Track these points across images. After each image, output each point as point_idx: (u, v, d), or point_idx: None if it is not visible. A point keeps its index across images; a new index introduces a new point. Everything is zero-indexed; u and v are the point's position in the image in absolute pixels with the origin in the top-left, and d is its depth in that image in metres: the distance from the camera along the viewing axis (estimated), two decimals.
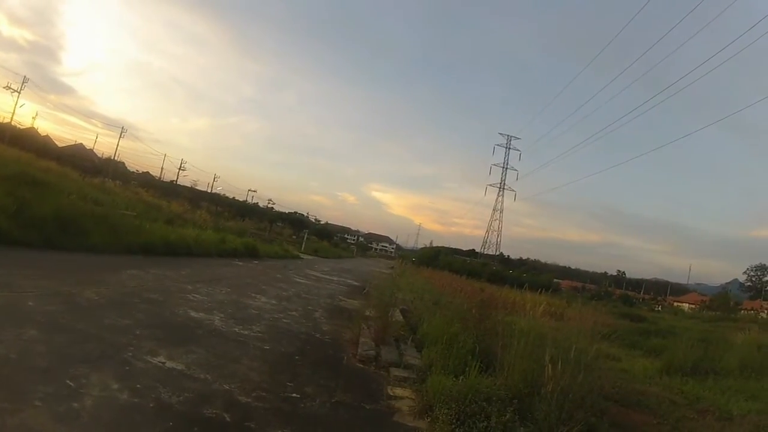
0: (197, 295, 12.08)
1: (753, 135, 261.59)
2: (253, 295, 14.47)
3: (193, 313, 9.91)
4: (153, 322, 8.33)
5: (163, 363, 6.31)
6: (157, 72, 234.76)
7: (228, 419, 5.03)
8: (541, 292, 23.30)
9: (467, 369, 7.78)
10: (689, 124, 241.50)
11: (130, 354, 6.29)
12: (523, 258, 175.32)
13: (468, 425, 5.96)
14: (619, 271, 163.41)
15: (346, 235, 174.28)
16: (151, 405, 4.86)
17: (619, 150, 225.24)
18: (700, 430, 9.66)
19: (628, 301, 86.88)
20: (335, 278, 30.01)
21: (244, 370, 6.95)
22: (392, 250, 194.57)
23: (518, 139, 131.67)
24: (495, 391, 6.97)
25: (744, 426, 10.05)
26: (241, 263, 24.97)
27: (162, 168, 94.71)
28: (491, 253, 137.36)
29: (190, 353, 7.07)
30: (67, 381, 4.91)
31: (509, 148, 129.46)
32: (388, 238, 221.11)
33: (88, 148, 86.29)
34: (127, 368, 5.73)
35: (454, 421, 6.05)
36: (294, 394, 6.45)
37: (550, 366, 6.94)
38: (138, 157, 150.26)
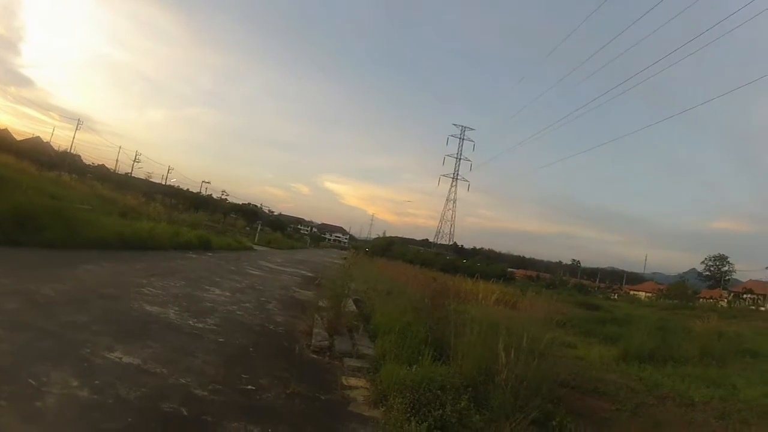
0: (152, 289, 11.98)
1: (711, 129, 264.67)
2: (207, 287, 14.39)
3: (148, 307, 9.85)
4: (109, 318, 8.28)
5: (120, 358, 6.32)
6: (116, 63, 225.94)
7: (185, 413, 5.10)
8: (494, 281, 23.64)
9: (420, 358, 7.77)
10: (647, 116, 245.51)
11: (88, 350, 6.28)
12: (477, 247, 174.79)
13: (423, 414, 5.93)
14: (573, 260, 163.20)
15: (299, 226, 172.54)
16: (110, 401, 4.91)
17: (575, 141, 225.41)
18: (661, 416, 9.69)
19: (583, 289, 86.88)
20: (288, 269, 29.88)
21: (199, 364, 6.98)
22: (345, 241, 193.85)
23: (472, 130, 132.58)
24: (449, 379, 6.97)
25: (707, 412, 10.24)
26: (194, 256, 24.67)
27: (117, 160, 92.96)
28: (445, 243, 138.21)
29: (146, 348, 7.08)
30: (30, 380, 4.91)
31: (463, 139, 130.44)
32: (342, 228, 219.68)
33: (45, 141, 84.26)
34: (86, 365, 5.74)
35: (409, 409, 6.02)
36: (249, 387, 6.54)
37: (503, 354, 6.94)
38: (94, 149, 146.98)
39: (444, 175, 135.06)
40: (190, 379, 6.20)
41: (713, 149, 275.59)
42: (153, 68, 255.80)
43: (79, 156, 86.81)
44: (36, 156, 54.21)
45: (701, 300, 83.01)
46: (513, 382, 6.59)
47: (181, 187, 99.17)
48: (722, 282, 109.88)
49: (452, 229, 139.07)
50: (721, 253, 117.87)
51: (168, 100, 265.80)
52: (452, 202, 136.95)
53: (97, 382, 5.28)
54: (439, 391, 6.47)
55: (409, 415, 5.90)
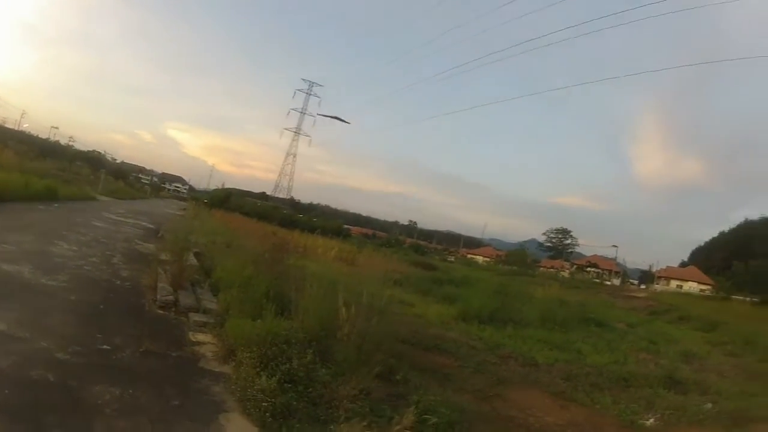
0: (6, 246, 11.18)
1: (564, 109, 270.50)
2: (56, 242, 13.50)
3: (4, 266, 9.24)
4: None
5: None
6: None
7: (52, 379, 5.00)
8: (332, 237, 23.71)
9: (264, 312, 7.32)
10: (507, 90, 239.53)
11: None
12: (314, 203, 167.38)
13: (272, 368, 5.68)
14: (410, 220, 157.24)
15: (140, 175, 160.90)
16: None
17: (427, 106, 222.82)
18: (504, 373, 9.43)
19: (420, 249, 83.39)
20: (131, 221, 28.06)
21: (57, 324, 6.76)
22: (185, 191, 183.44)
23: (320, 86, 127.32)
24: (293, 334, 6.70)
25: (553, 374, 10.11)
26: (42, 207, 22.59)
27: None
28: (282, 197, 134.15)
29: (9, 311, 6.75)
30: None
31: (310, 95, 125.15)
32: (181, 178, 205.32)
33: None
34: None
35: (258, 364, 5.78)
36: (105, 346, 6.39)
37: (344, 309, 6.84)
38: None
39: (287, 129, 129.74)
40: (51, 342, 6.00)
41: (568, 129, 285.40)
42: (30, 11, 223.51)
43: None
44: None
45: (542, 268, 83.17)
46: (355, 338, 6.53)
47: (32, 133, 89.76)
48: (564, 253, 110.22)
49: (291, 184, 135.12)
50: (564, 227, 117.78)
51: (34, 41, 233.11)
52: (292, 156, 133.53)
53: None
54: (284, 346, 6.26)
55: (258, 369, 5.67)
